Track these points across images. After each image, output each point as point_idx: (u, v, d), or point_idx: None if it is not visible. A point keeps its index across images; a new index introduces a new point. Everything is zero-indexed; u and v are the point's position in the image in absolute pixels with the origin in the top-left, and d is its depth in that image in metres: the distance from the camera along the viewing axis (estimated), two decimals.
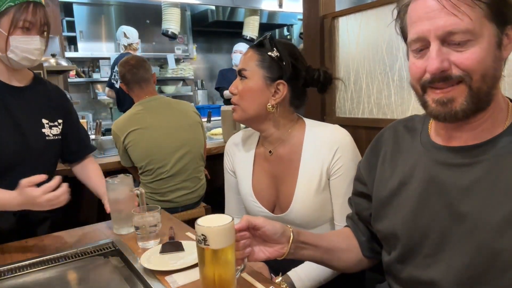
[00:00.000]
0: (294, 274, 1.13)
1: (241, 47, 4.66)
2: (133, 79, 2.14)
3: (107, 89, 3.99)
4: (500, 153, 0.71)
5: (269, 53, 1.16)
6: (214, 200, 2.33)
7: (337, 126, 1.21)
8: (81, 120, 2.45)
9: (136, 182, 2.25)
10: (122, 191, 1.27)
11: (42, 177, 1.09)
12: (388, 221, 0.87)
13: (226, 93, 4.37)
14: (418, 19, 0.70)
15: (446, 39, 0.68)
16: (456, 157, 0.76)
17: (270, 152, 1.24)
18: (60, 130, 1.42)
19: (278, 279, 1.13)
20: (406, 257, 0.83)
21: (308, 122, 1.25)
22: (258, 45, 1.19)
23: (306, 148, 1.19)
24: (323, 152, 1.16)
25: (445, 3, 0.66)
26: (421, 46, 0.72)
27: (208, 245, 0.81)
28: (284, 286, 1.12)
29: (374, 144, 0.97)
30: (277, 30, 6.83)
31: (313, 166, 1.17)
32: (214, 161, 2.52)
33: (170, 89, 5.71)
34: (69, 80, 4.24)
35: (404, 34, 0.79)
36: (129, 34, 3.95)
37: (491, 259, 0.70)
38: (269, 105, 1.17)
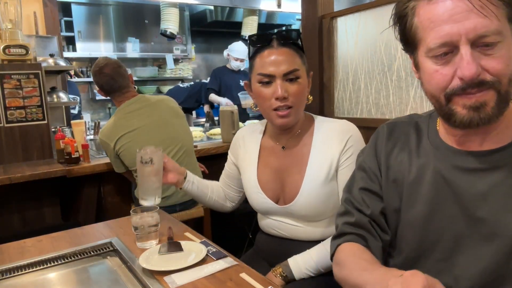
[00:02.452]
0: (293, 261, 1.15)
1: (242, 55, 4.39)
2: (112, 89, 2.10)
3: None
4: None
5: (301, 48, 1.16)
6: None
7: (346, 120, 1.23)
8: (79, 120, 2.46)
9: (134, 185, 2.25)
10: (151, 153, 1.17)
11: None
12: (398, 223, 0.85)
13: (212, 96, 4.27)
14: (442, 22, 0.65)
15: (476, 42, 0.64)
16: (473, 162, 0.73)
17: (283, 147, 1.24)
18: None
19: (278, 268, 1.15)
20: (414, 261, 0.81)
21: (317, 117, 1.26)
22: (293, 43, 1.15)
23: (316, 140, 1.20)
24: (334, 142, 1.17)
25: (475, 3, 0.62)
26: (447, 51, 0.66)
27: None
28: (281, 273, 1.13)
29: (375, 141, 0.92)
30: (275, 30, 6.82)
31: (322, 157, 1.17)
32: (213, 161, 2.51)
33: (168, 89, 5.71)
34: (67, 80, 4.23)
35: (409, 39, 0.74)
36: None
37: (506, 265, 0.69)
38: (307, 98, 1.19)
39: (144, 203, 1.18)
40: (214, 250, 1.10)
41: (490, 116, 0.67)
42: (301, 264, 1.15)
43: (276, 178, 1.24)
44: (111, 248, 1.19)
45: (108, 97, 2.18)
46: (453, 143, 0.77)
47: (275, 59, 1.12)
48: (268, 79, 1.13)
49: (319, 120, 1.24)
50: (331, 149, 1.17)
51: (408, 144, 0.85)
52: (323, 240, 1.20)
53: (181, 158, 2.13)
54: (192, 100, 4.44)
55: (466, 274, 0.73)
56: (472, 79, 0.64)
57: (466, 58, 0.64)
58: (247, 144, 1.34)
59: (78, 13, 5.07)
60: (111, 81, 2.07)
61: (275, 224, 1.26)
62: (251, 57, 1.19)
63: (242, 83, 4.41)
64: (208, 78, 4.52)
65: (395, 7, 0.75)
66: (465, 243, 0.74)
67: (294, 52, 1.14)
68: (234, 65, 4.36)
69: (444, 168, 0.77)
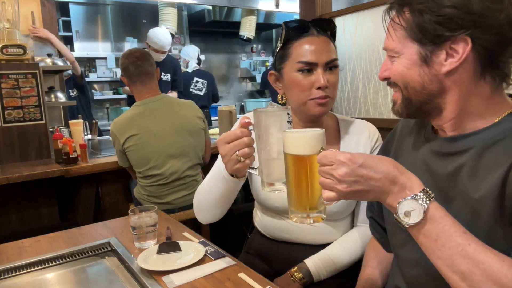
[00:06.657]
0: (310, 261, 1.14)
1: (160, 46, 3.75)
2: (137, 72, 2.07)
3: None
4: (485, 143, 0.75)
5: (333, 39, 1.15)
6: None
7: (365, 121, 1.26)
8: (77, 120, 2.46)
9: (134, 182, 2.24)
10: (279, 121, 0.83)
11: None
12: (388, 214, 0.92)
13: None
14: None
15: (388, 53, 0.82)
16: (446, 146, 0.81)
17: None
18: None
19: (296, 272, 1.13)
20: (406, 241, 0.86)
21: (335, 114, 1.27)
22: (332, 35, 1.14)
23: (345, 136, 1.20)
24: (364, 141, 1.19)
25: (387, 28, 0.82)
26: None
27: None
28: (298, 274, 1.12)
29: (390, 136, 1.02)
30: (274, 30, 6.83)
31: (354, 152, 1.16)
32: (211, 161, 2.52)
33: None
34: (65, 79, 4.22)
35: None
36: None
37: None
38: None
39: (269, 189, 0.87)
40: (213, 250, 1.10)
41: (398, 111, 0.84)
42: (320, 265, 1.13)
43: None
44: (109, 248, 1.19)
45: (131, 92, 2.19)
46: (440, 132, 0.85)
47: (316, 47, 1.08)
48: (309, 67, 1.08)
49: (341, 117, 1.25)
50: (362, 147, 1.18)
51: (411, 137, 0.94)
52: (329, 243, 1.18)
53: (187, 171, 2.12)
54: None
55: None
56: (380, 78, 0.85)
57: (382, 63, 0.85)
58: None
59: (76, 13, 5.06)
60: (138, 62, 2.08)
61: (286, 225, 1.20)
62: (285, 44, 1.12)
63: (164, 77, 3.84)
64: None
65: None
66: None
67: (331, 41, 1.13)
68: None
69: (426, 154, 0.86)
